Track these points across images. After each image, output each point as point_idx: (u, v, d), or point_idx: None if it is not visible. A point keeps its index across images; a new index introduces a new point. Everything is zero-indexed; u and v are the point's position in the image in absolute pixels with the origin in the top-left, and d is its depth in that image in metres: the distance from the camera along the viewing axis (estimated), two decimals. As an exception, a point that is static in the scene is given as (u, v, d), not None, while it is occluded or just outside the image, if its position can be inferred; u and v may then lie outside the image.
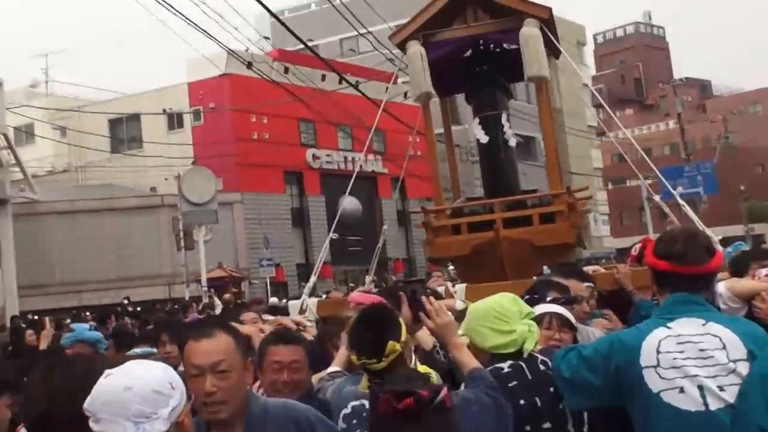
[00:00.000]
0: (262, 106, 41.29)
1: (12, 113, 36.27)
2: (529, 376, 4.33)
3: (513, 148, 9.85)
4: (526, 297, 5.10)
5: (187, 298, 28.64)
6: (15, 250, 34.17)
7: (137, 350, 7.85)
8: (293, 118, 43.84)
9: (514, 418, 4.10)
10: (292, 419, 3.87)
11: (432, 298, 4.95)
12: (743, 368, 3.77)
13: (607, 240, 71.73)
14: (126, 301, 27.76)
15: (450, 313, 4.79)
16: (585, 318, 6.00)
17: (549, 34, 9.14)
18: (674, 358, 3.86)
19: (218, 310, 8.65)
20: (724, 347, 3.83)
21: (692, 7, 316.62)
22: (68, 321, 20.80)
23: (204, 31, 20.39)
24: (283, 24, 21.72)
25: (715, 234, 6.48)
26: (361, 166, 45.13)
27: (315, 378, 5.07)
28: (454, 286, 7.90)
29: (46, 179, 44.67)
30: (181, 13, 18.79)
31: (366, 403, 4.10)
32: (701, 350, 3.85)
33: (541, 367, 4.37)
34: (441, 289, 7.60)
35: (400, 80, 29.04)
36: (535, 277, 7.07)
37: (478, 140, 9.82)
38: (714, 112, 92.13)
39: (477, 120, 9.78)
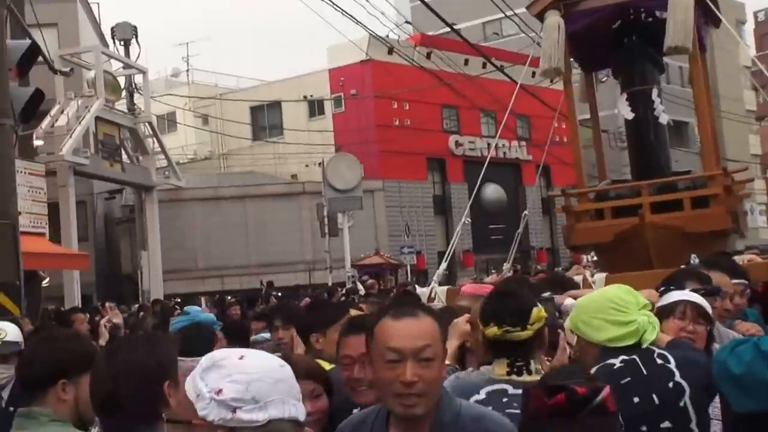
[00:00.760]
0: (403, 92, 40.97)
1: (155, 102, 36.87)
2: (644, 372, 3.97)
3: (664, 127, 9.32)
4: (662, 287, 4.82)
5: (330, 284, 28.61)
6: (160, 236, 34.82)
7: (255, 337, 7.63)
8: (436, 104, 43.41)
9: (627, 417, 3.49)
10: None
11: None
12: None
13: (763, 231, 68.84)
14: (266, 286, 27.89)
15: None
16: (727, 317, 5.36)
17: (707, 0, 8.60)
18: None
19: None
20: None
21: None
22: (173, 303, 21.15)
23: (350, 15, 20.25)
24: (429, 7, 21.18)
25: None
26: (504, 153, 45.29)
27: None
28: (593, 275, 7.36)
29: (188, 166, 45.43)
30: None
31: (506, 386, 3.75)
32: None
33: (658, 361, 4.01)
34: (578, 279, 7.05)
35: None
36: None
37: (625, 118, 9.35)
38: None
39: (624, 96, 9.26)
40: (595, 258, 17.20)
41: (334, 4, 20.11)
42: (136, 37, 34.41)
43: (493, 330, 3.76)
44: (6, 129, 9.63)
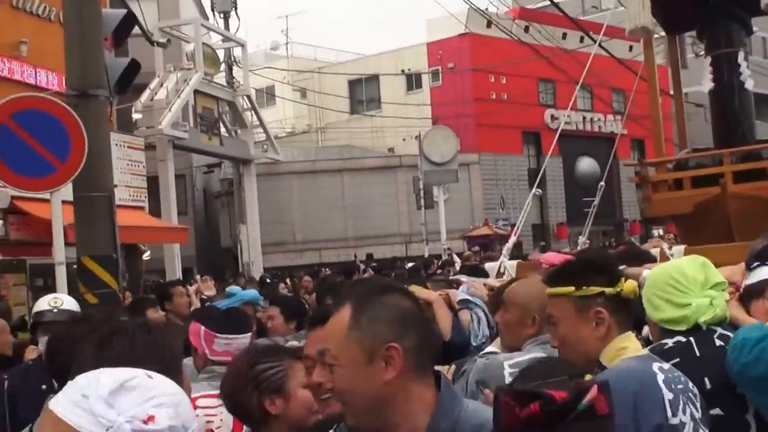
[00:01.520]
0: (501, 65, 40.82)
1: (254, 75, 37.23)
2: (697, 353, 3.62)
3: (750, 93, 8.84)
4: (755, 263, 4.28)
5: (426, 256, 28.73)
6: (258, 209, 35.31)
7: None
8: (532, 78, 43.18)
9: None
10: None
11: None
12: None
13: None
14: (365, 258, 28.15)
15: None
16: None
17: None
18: None
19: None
20: None
21: None
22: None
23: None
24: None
25: None
26: (600, 127, 44.82)
27: None
28: (671, 248, 6.92)
29: (287, 140, 45.90)
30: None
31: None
32: None
33: (718, 343, 3.65)
34: (655, 252, 6.62)
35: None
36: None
37: (704, 89, 8.95)
38: None
39: (709, 59, 8.85)
40: (661, 232, 16.63)
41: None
42: (236, 10, 34.54)
43: (568, 289, 3.47)
44: (100, 100, 9.53)
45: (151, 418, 1.79)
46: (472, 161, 41.10)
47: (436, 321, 5.29)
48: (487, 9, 34.48)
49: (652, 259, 5.97)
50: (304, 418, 3.46)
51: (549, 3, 22.19)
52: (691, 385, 3.25)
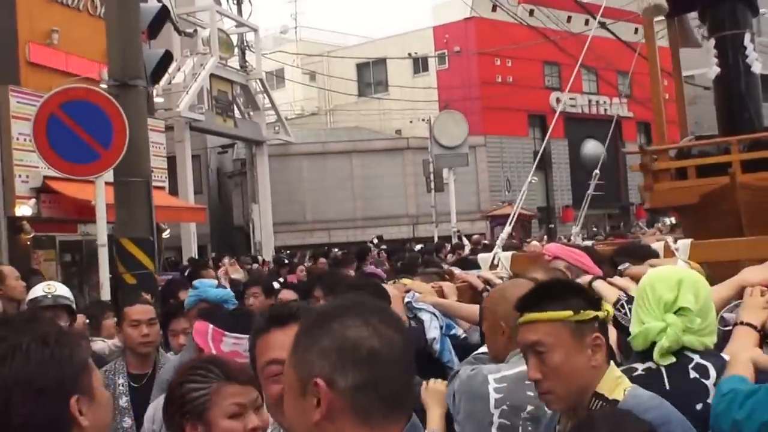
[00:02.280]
0: (506, 49, 41.27)
1: (264, 58, 37.93)
2: (667, 385, 3.23)
3: (757, 76, 8.36)
4: None
5: (435, 239, 29.18)
6: (270, 189, 36.00)
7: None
8: (538, 61, 43.61)
9: None
10: None
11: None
12: None
13: None
14: (377, 240, 28.62)
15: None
16: None
17: None
18: None
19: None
20: None
21: None
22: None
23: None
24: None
25: None
26: (605, 110, 45.23)
27: None
28: (675, 242, 6.33)
29: (296, 122, 46.36)
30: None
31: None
32: None
33: (692, 374, 3.25)
34: (658, 246, 6.11)
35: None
36: None
37: (714, 67, 8.42)
38: None
39: (713, 41, 8.37)
40: (672, 221, 15.72)
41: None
42: (248, -4, 35.27)
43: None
44: (139, 91, 9.99)
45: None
46: (478, 144, 41.53)
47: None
48: (493, -8, 34.89)
49: (653, 255, 5.65)
50: None
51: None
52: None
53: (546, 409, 3.28)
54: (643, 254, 5.55)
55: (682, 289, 3.32)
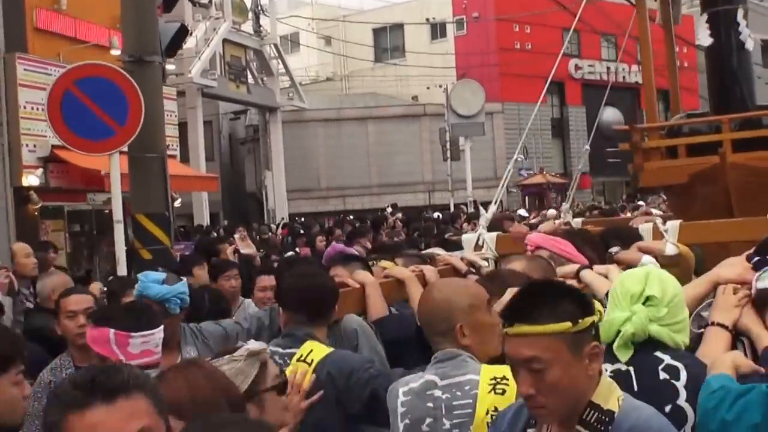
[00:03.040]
0: (525, 15, 40.91)
1: (278, 22, 37.49)
2: (635, 386, 3.12)
3: (749, 53, 8.17)
4: (756, 258, 3.78)
5: (452, 206, 29.04)
6: (283, 156, 35.80)
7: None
8: (557, 28, 43.20)
9: None
10: None
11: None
12: None
13: None
14: (391, 209, 28.50)
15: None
16: None
17: None
18: None
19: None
20: None
21: None
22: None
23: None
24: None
25: None
26: (624, 78, 44.81)
27: None
28: (665, 223, 6.02)
29: (311, 87, 46.23)
30: None
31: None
32: None
33: (662, 375, 3.14)
34: (647, 227, 5.92)
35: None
36: None
37: (703, 43, 8.31)
38: None
39: (705, 17, 8.15)
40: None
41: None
42: (261, -42, 34.88)
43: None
44: (155, 66, 9.96)
45: None
46: (495, 110, 41.31)
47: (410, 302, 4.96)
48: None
49: (639, 238, 5.56)
50: None
51: (574, -48, 22.24)
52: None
53: (451, 420, 3.31)
54: (625, 237, 5.53)
55: (648, 281, 3.27)
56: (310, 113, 39.32)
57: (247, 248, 12.73)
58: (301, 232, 20.28)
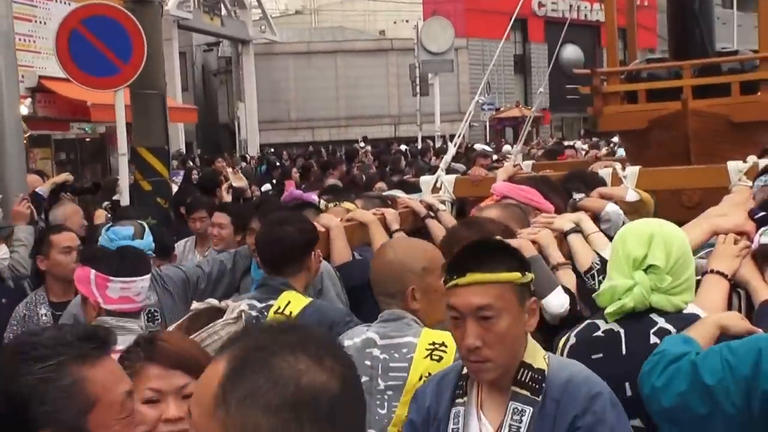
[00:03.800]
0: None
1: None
2: (624, 349, 3.05)
3: None
4: (760, 213, 3.77)
5: (419, 140, 29.83)
6: (255, 88, 36.52)
7: None
8: (522, -36, 43.67)
9: None
10: None
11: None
12: None
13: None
14: (363, 143, 29.03)
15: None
16: None
17: None
18: None
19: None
20: None
21: None
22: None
23: None
24: None
25: None
26: (586, 15, 45.43)
27: None
28: (623, 169, 6.04)
29: (279, 20, 46.31)
30: None
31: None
32: None
33: (653, 339, 3.00)
34: (606, 172, 5.92)
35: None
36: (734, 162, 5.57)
37: None
38: None
39: None
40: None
41: None
42: None
43: None
44: (154, 6, 10.14)
45: None
46: (460, 46, 41.79)
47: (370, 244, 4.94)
48: None
49: (602, 183, 5.53)
50: None
51: None
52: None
53: (386, 381, 3.28)
54: (588, 182, 5.48)
55: (653, 245, 3.07)
56: (281, 46, 39.84)
57: (239, 181, 13.26)
58: (277, 164, 20.99)
